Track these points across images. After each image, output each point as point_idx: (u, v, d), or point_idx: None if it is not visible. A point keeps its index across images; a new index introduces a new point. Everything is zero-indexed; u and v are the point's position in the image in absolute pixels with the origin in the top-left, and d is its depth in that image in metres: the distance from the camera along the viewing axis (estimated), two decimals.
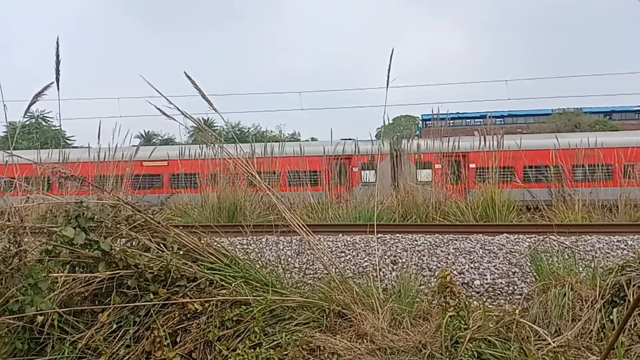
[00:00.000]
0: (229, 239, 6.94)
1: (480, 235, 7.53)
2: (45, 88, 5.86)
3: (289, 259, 6.55)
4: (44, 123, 46.20)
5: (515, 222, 10.49)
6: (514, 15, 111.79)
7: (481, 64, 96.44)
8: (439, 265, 6.30)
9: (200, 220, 10.60)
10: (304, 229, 5.26)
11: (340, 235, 7.79)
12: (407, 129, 39.92)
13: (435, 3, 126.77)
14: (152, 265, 4.11)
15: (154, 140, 51.83)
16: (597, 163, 14.15)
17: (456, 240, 7.16)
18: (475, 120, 42.54)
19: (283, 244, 7.21)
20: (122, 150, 14.02)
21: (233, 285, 4.24)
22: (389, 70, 6.27)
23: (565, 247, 6.24)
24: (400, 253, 6.70)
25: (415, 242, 7.10)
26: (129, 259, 4.06)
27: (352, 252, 6.87)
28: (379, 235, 7.23)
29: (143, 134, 53.09)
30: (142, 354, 3.89)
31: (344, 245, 7.13)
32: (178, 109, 5.28)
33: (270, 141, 18.55)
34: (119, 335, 3.96)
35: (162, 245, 4.42)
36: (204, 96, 5.52)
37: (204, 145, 14.97)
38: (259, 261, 5.10)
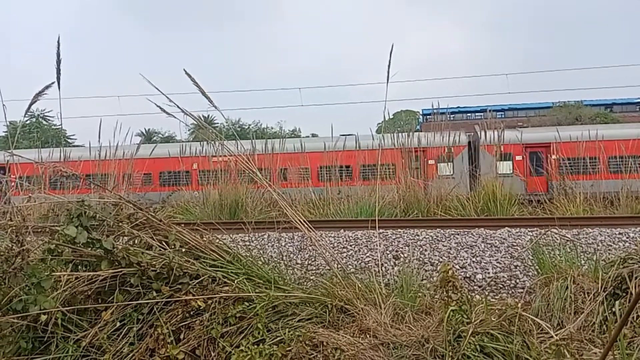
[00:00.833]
0: (231, 235, 6.95)
1: (482, 229, 7.54)
2: (47, 87, 5.86)
3: (291, 255, 6.56)
4: (44, 122, 46.20)
5: (516, 216, 10.50)
6: (514, 13, 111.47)
7: (481, 62, 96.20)
8: (440, 259, 6.31)
9: (202, 217, 10.62)
10: (306, 225, 5.27)
11: (342, 230, 7.80)
12: (408, 123, 39.85)
13: (435, 3, 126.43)
14: (154, 263, 4.12)
15: (154, 138, 51.82)
16: None
17: (458, 234, 7.17)
18: (476, 114, 42.48)
19: (285, 240, 7.22)
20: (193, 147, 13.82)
21: (236, 282, 4.25)
22: (389, 65, 6.27)
23: (567, 240, 6.25)
24: (402, 248, 6.71)
25: (417, 237, 7.10)
26: (131, 257, 4.07)
27: (354, 247, 6.88)
28: (381, 230, 7.24)
29: (144, 132, 53.12)
30: (146, 352, 3.90)
31: (346, 240, 7.14)
32: (178, 107, 5.29)
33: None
34: (123, 333, 3.98)
35: (164, 243, 4.42)
36: (203, 93, 5.52)
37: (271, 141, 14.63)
38: (261, 258, 5.11)
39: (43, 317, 3.77)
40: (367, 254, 6.60)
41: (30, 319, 3.82)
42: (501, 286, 5.74)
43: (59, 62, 5.81)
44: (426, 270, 6.09)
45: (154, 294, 4.04)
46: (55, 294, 3.99)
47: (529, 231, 7.17)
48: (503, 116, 43.84)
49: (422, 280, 5.64)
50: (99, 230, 4.21)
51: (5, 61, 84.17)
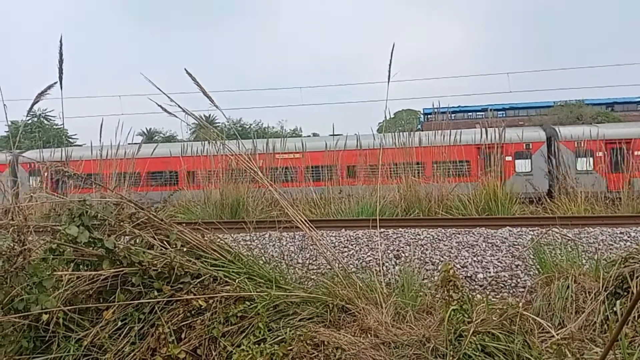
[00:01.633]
0: (232, 235, 6.96)
1: (483, 228, 7.54)
2: (49, 87, 5.87)
3: (292, 255, 6.57)
4: (46, 122, 46.24)
5: (518, 215, 10.49)
6: (514, 9, 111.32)
7: (482, 61, 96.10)
8: (442, 259, 6.31)
9: (203, 217, 10.63)
10: (307, 224, 5.27)
11: (343, 230, 7.81)
12: (409, 123, 39.85)
13: (435, 2, 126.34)
14: (156, 262, 4.12)
15: (155, 137, 51.83)
16: None
17: (459, 233, 7.17)
18: (477, 113, 42.43)
19: (286, 240, 7.23)
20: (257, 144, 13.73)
21: (237, 281, 4.25)
22: (390, 65, 6.27)
23: (568, 240, 6.24)
24: (403, 247, 6.71)
25: (418, 236, 7.10)
26: (132, 257, 4.08)
27: (355, 247, 6.88)
28: (382, 229, 7.24)
29: (145, 131, 53.14)
30: (147, 351, 3.91)
31: (347, 240, 7.14)
32: (179, 106, 5.29)
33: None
34: (124, 333, 3.98)
35: (165, 243, 4.43)
36: (204, 92, 5.53)
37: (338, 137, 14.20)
38: (263, 257, 5.12)
39: (44, 317, 3.78)
40: (368, 254, 6.60)
41: (32, 318, 3.83)
42: (502, 285, 5.74)
43: (61, 61, 5.81)
44: (427, 270, 6.09)
45: (155, 293, 4.05)
46: (56, 294, 4.00)
47: (530, 230, 7.17)
48: (504, 115, 43.80)
49: (423, 279, 5.64)
50: (100, 229, 4.21)
51: (5, 60, 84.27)
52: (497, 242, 6.72)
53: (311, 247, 6.62)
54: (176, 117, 5.48)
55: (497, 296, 5.55)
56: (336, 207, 11.33)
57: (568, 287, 4.53)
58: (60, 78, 5.89)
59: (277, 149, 15.73)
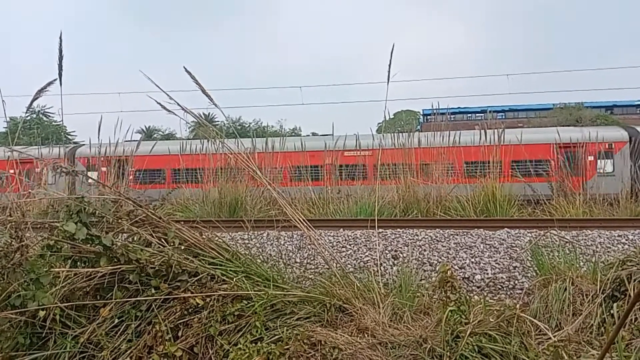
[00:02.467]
0: (230, 234, 6.95)
1: (481, 230, 7.54)
2: (49, 84, 5.86)
3: (290, 254, 6.56)
4: (45, 118, 46.16)
5: (516, 217, 10.50)
6: (514, 10, 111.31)
7: (482, 63, 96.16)
8: (439, 260, 6.31)
9: (202, 215, 10.61)
10: (305, 223, 5.27)
11: (342, 230, 7.80)
12: (409, 123, 39.86)
13: (435, 1, 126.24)
14: (153, 260, 4.12)
15: (154, 135, 51.79)
16: None
17: (457, 235, 7.17)
18: (476, 114, 42.48)
19: (284, 239, 7.22)
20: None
21: (234, 280, 4.25)
22: (389, 65, 6.27)
23: (566, 242, 6.25)
24: (401, 248, 6.71)
25: (416, 237, 7.10)
26: (130, 254, 4.07)
27: (353, 247, 6.88)
28: (380, 230, 7.24)
29: (144, 129, 53.10)
30: (144, 349, 3.90)
31: (345, 240, 7.14)
32: (178, 104, 5.29)
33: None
34: (121, 330, 3.98)
35: (163, 240, 4.42)
36: (203, 91, 5.53)
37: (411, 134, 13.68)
38: (260, 256, 5.12)
39: (41, 313, 3.77)
40: (366, 254, 6.60)
41: (29, 314, 3.82)
42: (500, 287, 5.75)
43: (60, 58, 5.81)
44: (425, 271, 6.09)
45: (153, 291, 4.05)
46: (53, 290, 3.99)
47: (528, 232, 7.17)
48: (504, 117, 43.86)
49: (420, 280, 5.64)
50: (98, 226, 4.21)
51: (5, 60, 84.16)
52: (495, 243, 6.72)
53: (309, 246, 6.62)
54: (175, 114, 5.48)
55: (495, 298, 5.55)
56: (335, 207, 11.32)
57: (565, 289, 4.53)
58: (60, 75, 5.89)
59: (347, 146, 15.43)
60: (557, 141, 14.81)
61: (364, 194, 11.36)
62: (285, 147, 15.20)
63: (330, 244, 6.90)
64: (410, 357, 3.68)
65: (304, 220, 5.29)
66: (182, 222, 4.78)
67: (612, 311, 4.06)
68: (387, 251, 6.65)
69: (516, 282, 5.75)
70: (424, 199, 11.29)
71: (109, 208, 4.39)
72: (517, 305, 3.87)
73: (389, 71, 6.40)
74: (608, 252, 6.35)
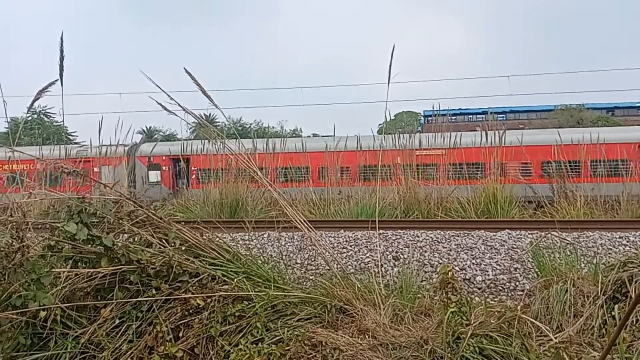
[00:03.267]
0: (231, 234, 6.95)
1: (482, 231, 7.54)
2: (51, 84, 5.87)
3: (291, 255, 6.56)
4: (46, 119, 46.20)
5: (517, 218, 10.48)
6: (514, 11, 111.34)
7: (482, 61, 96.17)
8: (440, 261, 6.31)
9: (202, 215, 10.61)
10: (306, 224, 5.27)
11: (342, 231, 7.80)
12: (409, 124, 39.86)
13: (435, 1, 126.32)
14: (154, 260, 4.12)
15: (155, 136, 51.83)
16: None
17: (458, 236, 7.16)
18: (477, 116, 42.48)
19: (285, 240, 7.22)
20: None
21: (235, 280, 4.25)
22: (390, 66, 6.28)
23: (567, 243, 6.24)
24: (401, 249, 6.71)
25: (417, 238, 7.10)
26: (131, 255, 4.07)
27: (354, 248, 6.87)
28: (381, 231, 7.24)
29: (145, 129, 53.15)
30: (144, 349, 3.90)
31: (346, 241, 7.14)
32: (179, 105, 5.29)
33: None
34: (122, 331, 3.98)
35: (164, 241, 4.42)
36: (204, 92, 5.53)
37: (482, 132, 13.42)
38: (261, 257, 5.11)
39: (42, 314, 3.77)
40: (367, 255, 6.60)
41: (30, 315, 3.82)
42: (501, 288, 5.74)
43: (62, 58, 5.82)
44: (426, 272, 6.09)
45: (154, 291, 4.05)
46: (54, 291, 3.99)
47: (529, 234, 7.17)
48: (504, 118, 43.87)
49: (421, 281, 5.64)
50: (99, 227, 4.21)
51: (5, 58, 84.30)
52: (496, 244, 6.72)
53: (310, 247, 6.61)
54: (176, 115, 5.48)
55: (496, 299, 5.55)
56: (335, 208, 11.32)
57: (566, 290, 4.53)
58: (61, 75, 5.89)
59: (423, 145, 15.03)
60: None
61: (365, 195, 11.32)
62: (372, 147, 14.90)
63: (331, 245, 6.90)
64: (411, 358, 3.68)
65: (304, 221, 5.29)
66: (183, 223, 4.78)
67: (613, 313, 4.06)
68: (388, 252, 6.64)
69: (517, 283, 5.75)
70: (424, 200, 11.28)
71: (110, 208, 4.40)
72: (518, 307, 3.86)
73: (389, 72, 6.41)
74: (609, 253, 6.34)
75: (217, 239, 4.76)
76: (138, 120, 66.85)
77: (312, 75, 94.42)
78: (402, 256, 6.48)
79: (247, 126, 53.18)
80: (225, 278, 4.30)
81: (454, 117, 33.68)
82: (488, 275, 5.94)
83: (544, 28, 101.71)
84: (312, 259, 6.32)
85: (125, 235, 4.48)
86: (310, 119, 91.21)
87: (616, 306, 4.08)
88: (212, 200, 11.45)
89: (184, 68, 5.46)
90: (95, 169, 13.14)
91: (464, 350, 3.52)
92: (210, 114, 38.33)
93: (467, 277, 5.94)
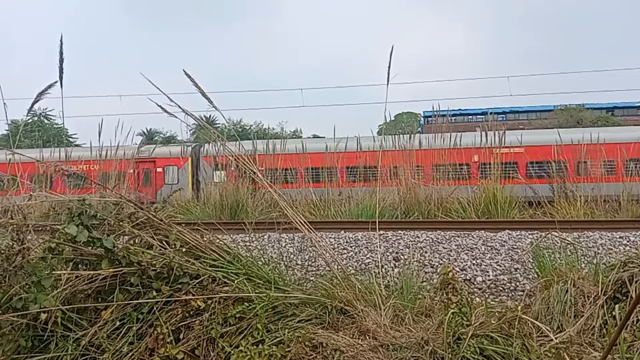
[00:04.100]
0: (232, 236, 6.94)
1: (483, 231, 7.53)
2: (50, 86, 5.88)
3: (292, 256, 6.55)
4: (46, 121, 46.23)
5: (517, 219, 10.48)
6: (514, 12, 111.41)
7: (483, 64, 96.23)
8: (441, 261, 6.30)
9: (203, 217, 10.61)
10: (306, 225, 5.27)
11: (343, 232, 7.80)
12: (409, 125, 39.86)
13: (435, 2, 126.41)
14: (154, 262, 4.12)
15: (155, 138, 51.84)
16: None
17: (458, 236, 7.16)
18: (477, 116, 42.48)
19: (285, 241, 7.22)
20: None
21: (236, 282, 4.25)
22: (389, 67, 6.29)
23: (568, 243, 6.24)
24: (402, 250, 6.70)
25: (418, 239, 7.10)
26: (131, 257, 4.07)
27: (355, 249, 6.87)
28: (381, 232, 7.23)
29: (145, 131, 53.16)
30: (145, 351, 3.90)
31: (346, 242, 7.13)
32: (179, 107, 5.30)
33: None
34: (122, 333, 3.98)
35: (164, 243, 4.43)
36: (203, 94, 5.54)
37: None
38: (262, 258, 5.11)
39: (43, 316, 3.77)
40: (367, 256, 6.59)
41: (30, 317, 3.82)
42: (501, 289, 5.74)
43: (61, 60, 5.83)
44: (426, 272, 6.08)
45: (154, 293, 4.05)
46: (55, 293, 4.00)
47: (529, 234, 7.16)
48: (504, 119, 43.86)
49: (422, 282, 5.64)
50: (99, 229, 4.21)
51: (6, 60, 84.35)
52: (496, 245, 6.72)
53: (310, 248, 6.61)
54: (176, 117, 5.49)
55: (496, 299, 5.55)
56: (336, 209, 11.31)
57: (567, 291, 4.52)
58: (61, 77, 5.91)
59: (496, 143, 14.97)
60: None
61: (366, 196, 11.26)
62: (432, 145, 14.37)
63: (332, 246, 6.90)
64: (412, 359, 3.68)
65: (305, 222, 5.29)
66: (184, 225, 4.78)
67: (613, 313, 4.06)
68: (388, 253, 6.64)
69: (517, 283, 5.75)
70: (425, 201, 11.28)
71: (111, 210, 4.40)
72: (519, 307, 3.86)
73: (388, 73, 6.42)
74: (609, 253, 6.34)
75: (218, 240, 4.76)
76: (138, 122, 66.80)
77: (312, 76, 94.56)
78: (402, 257, 6.47)
79: (247, 127, 53.22)
80: (225, 279, 4.30)
81: (453, 118, 33.65)
82: (488, 275, 5.94)
83: (543, 29, 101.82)
84: (313, 260, 6.31)
85: (126, 237, 4.48)
86: (310, 120, 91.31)
87: (617, 306, 4.08)
88: (213, 201, 11.46)
89: (184, 70, 5.49)
90: (159, 169, 12.97)
91: (465, 350, 3.52)
92: (210, 116, 38.37)
93: (468, 278, 5.93)
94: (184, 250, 4.43)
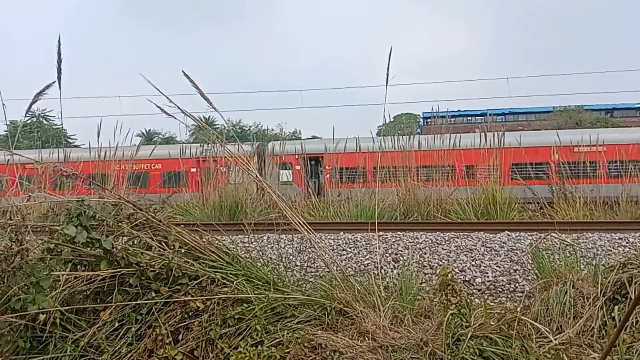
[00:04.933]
0: (231, 237, 6.94)
1: (482, 232, 7.53)
2: (48, 87, 5.87)
3: (291, 257, 6.55)
4: (45, 122, 46.22)
5: (516, 220, 10.48)
6: (514, 13, 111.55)
7: (482, 66, 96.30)
8: (440, 263, 6.30)
9: (202, 218, 10.60)
10: (305, 227, 5.27)
11: (342, 233, 7.79)
12: (408, 126, 39.88)
13: (436, 2, 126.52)
14: (153, 263, 4.12)
15: (154, 138, 51.82)
16: None
17: (457, 238, 7.16)
18: (476, 117, 42.50)
19: (284, 242, 7.21)
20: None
21: (235, 283, 4.25)
22: (388, 68, 6.29)
23: (567, 245, 6.24)
24: (401, 251, 6.70)
25: (417, 240, 7.10)
26: (130, 258, 4.07)
27: (354, 250, 6.87)
28: (380, 233, 7.23)
29: (144, 132, 53.17)
30: (144, 352, 3.90)
31: (346, 243, 7.13)
32: (178, 107, 5.29)
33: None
34: (121, 334, 3.97)
35: (163, 244, 4.42)
36: (202, 95, 5.54)
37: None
38: (261, 259, 5.10)
39: (41, 317, 3.77)
40: (367, 257, 6.59)
41: (29, 318, 3.81)
42: (500, 290, 5.74)
43: (59, 61, 5.82)
44: (425, 274, 6.08)
45: (153, 294, 4.04)
46: (54, 294, 3.99)
47: (528, 235, 7.16)
48: (504, 120, 43.87)
49: (421, 283, 5.64)
50: (98, 230, 4.20)
51: (6, 60, 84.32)
52: (495, 246, 6.72)
53: (309, 249, 6.61)
54: (175, 118, 5.48)
55: (495, 301, 5.55)
56: (335, 210, 11.30)
57: (566, 292, 4.52)
58: (59, 78, 5.90)
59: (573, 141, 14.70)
60: None
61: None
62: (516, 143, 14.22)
63: (331, 247, 6.89)
64: None
65: (304, 223, 5.29)
66: (183, 226, 4.77)
67: (613, 314, 4.06)
68: (387, 254, 6.64)
69: (517, 285, 5.75)
70: (424, 202, 11.27)
71: (109, 211, 4.40)
72: (518, 308, 3.86)
73: (387, 74, 6.42)
74: (609, 254, 6.34)
75: (217, 241, 4.76)
76: (137, 123, 66.78)
77: (312, 76, 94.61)
78: (401, 258, 6.47)
79: (247, 128, 53.23)
80: (224, 280, 4.30)
81: (452, 119, 33.68)
82: (488, 276, 5.94)
83: (543, 30, 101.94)
84: (312, 261, 6.31)
85: (125, 238, 4.47)
86: (310, 121, 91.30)
87: (616, 307, 4.08)
88: (212, 202, 11.45)
89: (183, 71, 5.48)
90: (223, 169, 12.79)
91: (464, 352, 3.52)
92: (209, 117, 38.36)
93: (467, 279, 5.93)
94: (183, 251, 4.43)
